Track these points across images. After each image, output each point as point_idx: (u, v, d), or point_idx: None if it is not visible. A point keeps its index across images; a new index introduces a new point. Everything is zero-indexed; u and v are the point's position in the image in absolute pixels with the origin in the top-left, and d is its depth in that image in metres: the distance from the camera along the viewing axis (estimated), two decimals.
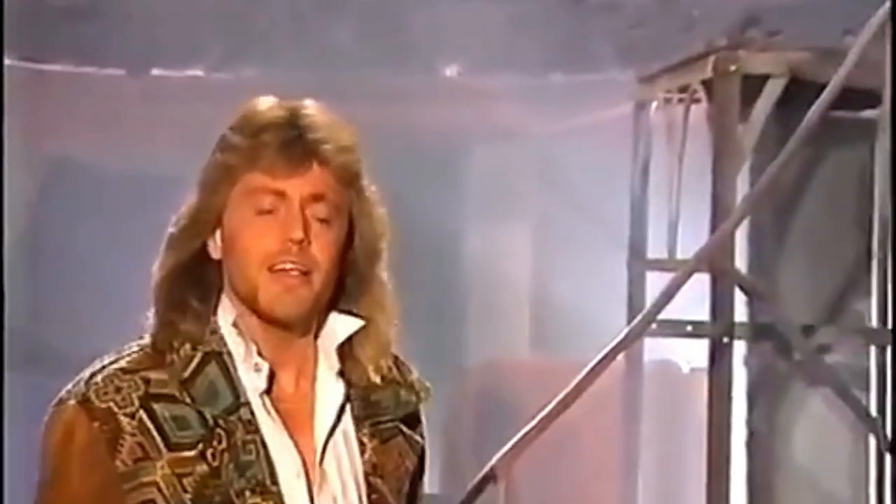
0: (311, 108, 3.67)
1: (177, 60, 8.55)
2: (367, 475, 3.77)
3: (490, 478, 6.42)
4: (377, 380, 3.77)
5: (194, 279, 3.75)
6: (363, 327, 3.71)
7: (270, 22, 8.39)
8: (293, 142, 3.61)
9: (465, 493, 6.49)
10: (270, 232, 3.61)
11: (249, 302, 3.64)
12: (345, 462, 3.77)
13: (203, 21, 8.46)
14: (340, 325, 3.73)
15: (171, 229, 3.73)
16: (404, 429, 3.83)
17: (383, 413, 3.80)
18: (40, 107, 9.01)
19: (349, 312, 3.72)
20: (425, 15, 8.40)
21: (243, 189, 3.64)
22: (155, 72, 8.45)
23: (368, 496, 3.76)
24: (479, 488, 6.37)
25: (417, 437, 3.86)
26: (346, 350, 3.74)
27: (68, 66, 8.70)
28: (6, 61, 8.20)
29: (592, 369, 6.65)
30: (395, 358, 3.81)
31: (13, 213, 9.39)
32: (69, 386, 3.70)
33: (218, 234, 3.72)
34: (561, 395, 6.59)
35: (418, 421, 3.88)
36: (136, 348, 3.74)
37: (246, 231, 3.66)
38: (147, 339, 3.71)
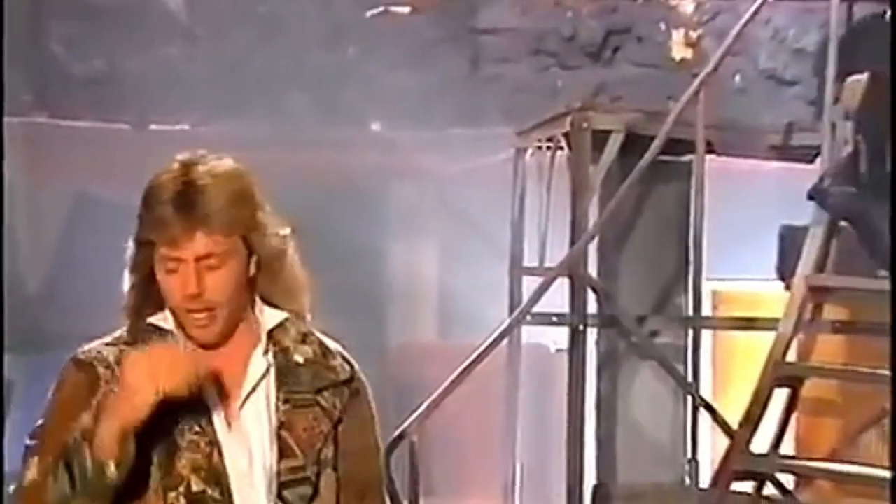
0: (202, 175, 3.73)
1: (169, 117, 8.20)
2: (277, 429, 3.80)
3: (401, 437, 6.51)
4: (300, 360, 3.84)
5: (149, 295, 3.82)
6: (286, 318, 3.84)
7: (240, 87, 8.13)
8: (184, 218, 3.67)
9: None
10: (177, 287, 3.72)
11: (181, 328, 3.82)
12: (263, 415, 3.82)
13: (189, 87, 8.16)
14: (268, 318, 3.84)
15: (126, 256, 3.82)
16: (321, 400, 3.85)
17: (301, 385, 3.83)
18: (66, 152, 8.78)
19: (274, 306, 3.85)
20: (358, 84, 8.28)
21: (158, 254, 3.71)
22: (153, 126, 8.23)
23: (277, 443, 3.80)
24: (393, 446, 6.34)
25: (334, 407, 3.86)
26: (275, 333, 3.83)
27: (87, 122, 8.36)
28: (40, 119, 8.44)
29: (484, 350, 6.95)
30: (324, 346, 3.89)
31: (46, 231, 9.49)
32: (75, 352, 3.82)
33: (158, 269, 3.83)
34: (459, 370, 6.86)
35: (341, 393, 3.88)
36: (119, 333, 3.84)
37: (163, 284, 3.75)
38: (124, 331, 3.82)
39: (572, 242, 7.42)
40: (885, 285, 6.89)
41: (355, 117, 8.37)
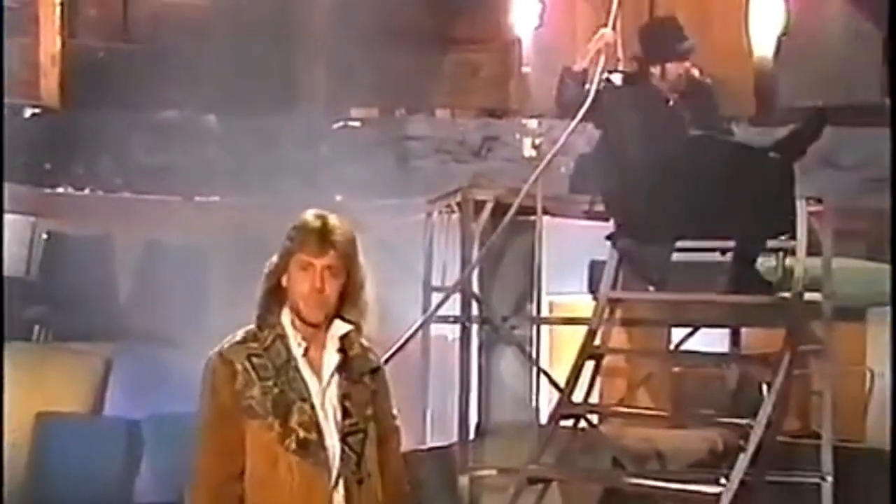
0: (332, 218, 3.88)
1: (205, 192, 8.19)
2: (342, 398, 3.85)
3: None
4: (353, 355, 3.91)
5: (274, 296, 3.88)
6: (351, 329, 3.89)
7: (251, 174, 8.07)
8: (322, 239, 3.81)
9: None
10: (308, 281, 3.81)
11: (297, 311, 3.85)
12: (334, 392, 3.84)
13: (219, 175, 8.12)
14: (340, 326, 3.87)
15: (265, 271, 3.89)
16: (365, 380, 3.93)
17: (354, 371, 3.90)
18: (141, 214, 8.72)
19: (345, 319, 3.88)
20: (327, 171, 8.19)
21: (295, 260, 3.82)
22: (196, 198, 8.16)
23: (342, 406, 3.84)
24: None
25: (370, 383, 3.93)
26: (344, 339, 3.88)
27: (155, 195, 8.34)
28: (126, 194, 8.44)
29: (406, 340, 6.98)
30: (364, 347, 3.98)
31: (130, 264, 9.18)
32: (217, 347, 3.87)
33: (285, 277, 3.86)
34: (390, 352, 6.50)
35: (375, 375, 3.98)
36: (247, 329, 3.89)
37: (297, 279, 3.82)
38: (253, 325, 3.89)
39: (462, 270, 7.39)
40: (654, 296, 7.04)
41: (325, 192, 8.16)
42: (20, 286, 9.28)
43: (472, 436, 7.43)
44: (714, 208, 6.79)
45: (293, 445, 3.79)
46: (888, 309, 7.43)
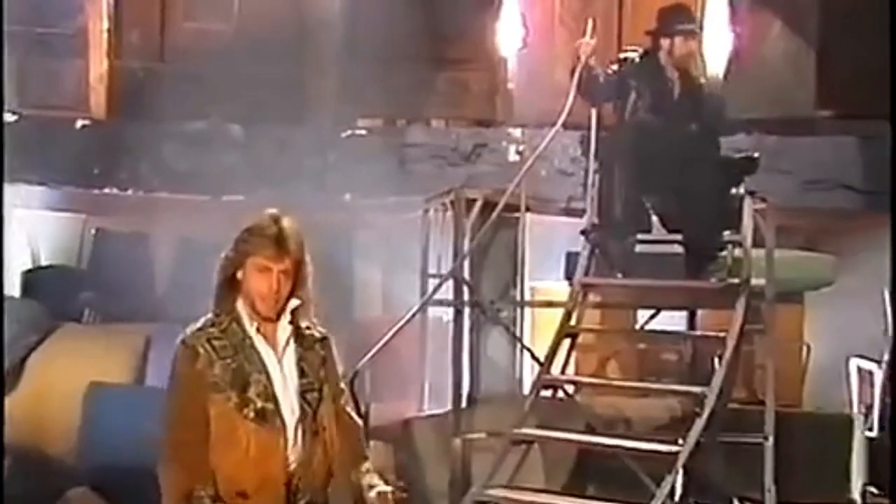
0: (286, 222, 3.81)
1: (231, 192, 8.10)
2: (298, 361, 3.84)
3: (357, 374, 6.38)
4: (302, 326, 3.88)
5: (229, 285, 3.83)
6: (299, 305, 3.87)
7: (270, 178, 7.97)
8: (276, 244, 3.76)
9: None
10: (265, 284, 3.77)
11: (252, 305, 3.83)
12: (291, 358, 3.84)
13: (243, 178, 8.15)
14: (291, 304, 3.84)
15: (220, 264, 3.85)
16: (315, 347, 3.89)
17: (306, 340, 3.88)
18: (176, 213, 8.77)
19: (297, 297, 3.86)
20: (336, 174, 8.12)
21: (252, 262, 3.76)
22: (223, 197, 8.08)
23: (299, 368, 3.83)
24: (355, 375, 6.28)
25: (320, 350, 3.89)
26: (294, 314, 3.85)
27: (187, 195, 8.27)
28: (162, 194, 8.31)
29: (406, 321, 6.99)
30: (311, 322, 3.92)
31: (165, 258, 9.39)
32: (181, 335, 3.86)
33: (240, 272, 3.81)
34: (392, 332, 6.83)
35: (323, 343, 3.92)
36: (207, 316, 3.87)
37: (255, 281, 3.78)
38: (211, 314, 3.87)
39: (454, 260, 7.36)
40: (621, 282, 6.97)
41: (335, 192, 8.17)
42: (72, 275, 9.50)
43: (464, 404, 7.38)
44: (669, 204, 6.86)
45: (251, 414, 3.76)
46: (823, 291, 7.76)
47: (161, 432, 3.85)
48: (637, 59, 6.92)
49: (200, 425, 3.75)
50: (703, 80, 7.06)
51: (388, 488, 3.89)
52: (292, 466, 3.79)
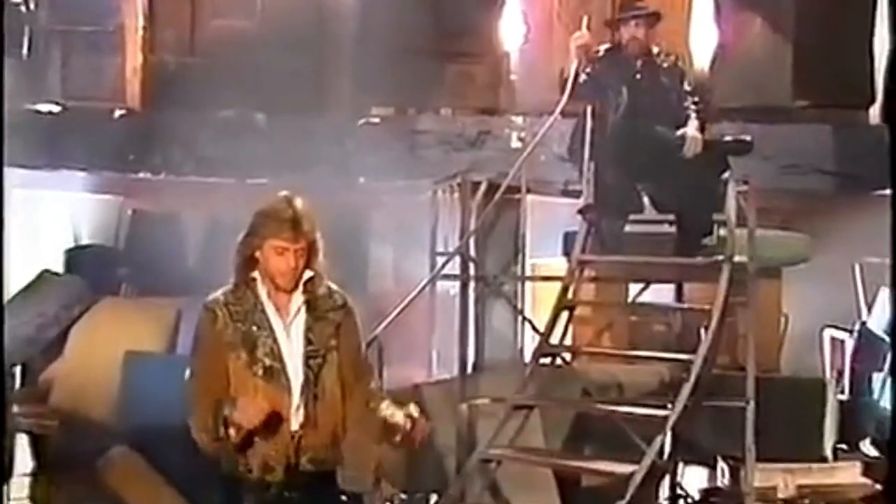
0: (298, 203, 3.82)
1: (255, 176, 7.91)
2: (306, 331, 3.85)
3: (373, 340, 6.35)
4: (319, 294, 3.89)
5: (248, 263, 3.86)
6: (312, 276, 3.89)
7: (292, 162, 7.84)
8: (292, 227, 3.77)
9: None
10: (283, 263, 3.80)
11: (272, 280, 3.86)
12: (300, 326, 3.85)
13: (266, 163, 7.90)
14: (305, 275, 3.86)
15: (238, 246, 3.87)
16: (329, 315, 3.88)
17: (320, 308, 3.88)
18: (206, 195, 8.71)
19: (310, 270, 3.88)
20: (352, 160, 8.02)
21: (270, 243, 3.77)
22: (248, 181, 7.89)
23: (306, 337, 3.84)
24: (370, 342, 6.15)
25: (335, 318, 3.88)
26: (308, 283, 3.87)
27: (215, 178, 8.14)
28: (194, 178, 8.18)
29: (417, 293, 7.01)
30: (331, 289, 3.93)
31: (196, 237, 9.37)
32: (204, 301, 3.91)
33: (258, 253, 3.83)
34: (404, 304, 6.86)
35: (341, 314, 3.91)
36: (226, 286, 3.91)
37: (273, 261, 3.80)
38: (231, 283, 3.91)
39: (461, 238, 7.33)
40: (615, 258, 6.97)
41: (351, 176, 8.08)
42: (110, 253, 9.54)
43: (469, 371, 7.35)
44: (662, 189, 6.86)
45: (259, 371, 3.79)
46: (800, 267, 7.78)
47: (188, 384, 3.86)
48: (603, 54, 6.87)
49: (222, 378, 3.78)
50: (664, 61, 6.91)
51: (416, 410, 3.89)
52: (295, 426, 3.82)
